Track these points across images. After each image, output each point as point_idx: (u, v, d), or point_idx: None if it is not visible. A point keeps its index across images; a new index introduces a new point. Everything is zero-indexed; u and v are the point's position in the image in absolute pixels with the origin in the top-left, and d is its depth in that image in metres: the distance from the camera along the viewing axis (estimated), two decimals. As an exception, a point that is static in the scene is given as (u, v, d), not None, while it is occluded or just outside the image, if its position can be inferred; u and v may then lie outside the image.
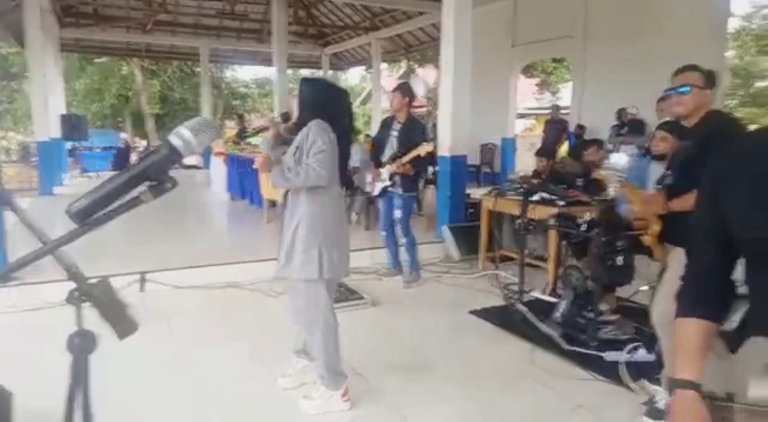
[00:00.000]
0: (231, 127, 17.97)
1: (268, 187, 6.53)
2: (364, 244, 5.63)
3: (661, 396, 2.67)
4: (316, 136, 2.55)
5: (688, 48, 6.63)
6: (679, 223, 2.48)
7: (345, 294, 4.26)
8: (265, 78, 23.75)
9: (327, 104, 2.67)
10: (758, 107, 17.01)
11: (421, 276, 4.74)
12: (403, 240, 4.71)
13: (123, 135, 21.91)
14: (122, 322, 1.20)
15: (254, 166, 2.70)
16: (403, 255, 4.84)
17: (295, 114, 2.76)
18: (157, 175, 1.16)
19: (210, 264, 4.88)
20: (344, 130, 2.71)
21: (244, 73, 25.96)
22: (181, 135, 1.15)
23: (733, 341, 1.00)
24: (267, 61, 14.17)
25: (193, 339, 3.60)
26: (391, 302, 4.36)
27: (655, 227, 2.60)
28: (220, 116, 23.03)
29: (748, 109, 17.14)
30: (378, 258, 5.28)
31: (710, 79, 2.52)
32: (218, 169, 9.61)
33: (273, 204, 6.74)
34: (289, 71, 15.24)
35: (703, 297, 1.06)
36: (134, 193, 1.18)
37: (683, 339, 1.05)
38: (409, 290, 4.64)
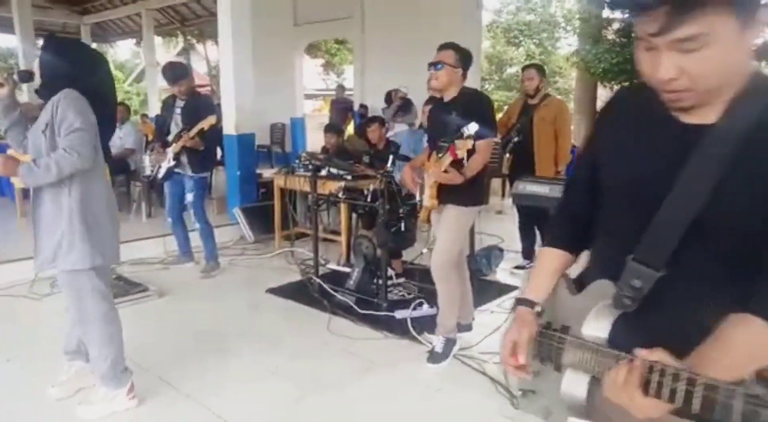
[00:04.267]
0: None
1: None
2: (147, 233, 5.15)
3: (437, 342, 2.99)
4: (66, 110, 2.17)
5: (451, 36, 7.36)
6: (451, 185, 2.76)
7: (125, 288, 3.85)
8: (8, 49, 19.99)
9: (82, 73, 2.27)
10: (509, 90, 19.87)
11: (220, 264, 4.51)
12: (197, 226, 4.41)
13: None
14: None
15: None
16: (198, 242, 4.54)
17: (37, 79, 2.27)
18: None
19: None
20: (108, 106, 2.37)
21: (-23, 42, 21.42)
22: None
23: (578, 282, 1.11)
24: (6, 27, 11.89)
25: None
26: (181, 291, 4.08)
27: (433, 190, 2.85)
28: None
29: (502, 92, 19.92)
30: (163, 247, 4.90)
31: (464, 59, 2.86)
32: (-52, 157, 7.80)
33: (28, 193, 5.72)
34: (40, 42, 13.03)
35: (565, 231, 1.18)
36: None
37: (540, 265, 1.18)
38: (200, 276, 4.39)
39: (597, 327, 0.93)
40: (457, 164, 2.74)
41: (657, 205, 0.89)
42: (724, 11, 0.77)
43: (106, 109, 2.34)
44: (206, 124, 4.08)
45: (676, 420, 0.76)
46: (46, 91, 2.28)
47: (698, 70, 0.80)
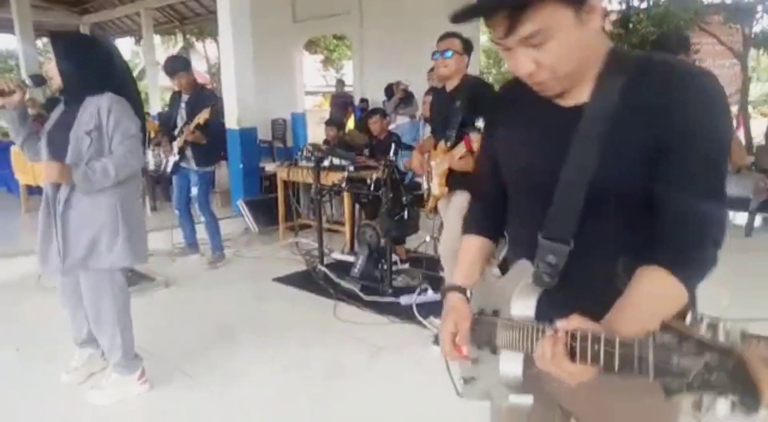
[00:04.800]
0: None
1: (25, 170, 5.58)
2: (151, 226, 5.17)
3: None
4: (121, 116, 2.18)
5: (451, 29, 7.39)
6: (459, 172, 2.79)
7: (133, 279, 3.87)
8: (7, 50, 20.03)
9: (109, 69, 2.26)
10: (507, 84, 19.79)
11: (225, 256, 4.57)
12: (202, 220, 4.46)
13: None
14: None
15: (46, 180, 2.19)
16: (203, 234, 4.59)
17: (55, 81, 2.25)
18: None
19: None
20: (136, 101, 2.35)
21: (-24, 44, 21.46)
22: None
23: (502, 266, 1.14)
24: (5, 28, 11.93)
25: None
26: (188, 281, 4.12)
27: (442, 179, 2.87)
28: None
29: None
30: (169, 239, 4.93)
31: (467, 46, 2.89)
32: (-49, 157, 7.86)
33: (33, 189, 5.77)
34: (39, 43, 13.06)
35: (482, 219, 1.21)
36: None
37: (463, 253, 1.20)
38: (206, 267, 4.43)
39: (523, 306, 0.96)
40: (469, 153, 2.76)
41: (555, 186, 0.95)
42: (555, 5, 0.84)
43: (133, 101, 2.33)
44: (201, 118, 4.12)
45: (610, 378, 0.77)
46: (72, 96, 2.27)
47: (551, 59, 0.88)
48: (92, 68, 2.22)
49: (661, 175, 0.88)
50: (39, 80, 2.32)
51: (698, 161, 0.87)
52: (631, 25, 8.47)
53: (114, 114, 2.18)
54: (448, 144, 2.80)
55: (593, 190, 0.91)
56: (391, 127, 7.66)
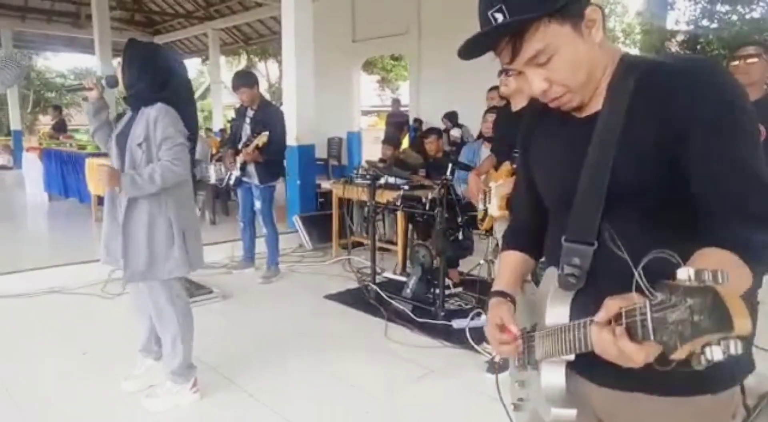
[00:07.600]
0: (46, 123, 15.90)
1: (95, 182, 5.89)
2: (211, 239, 5.34)
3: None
4: (168, 125, 2.29)
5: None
6: None
7: (191, 290, 3.99)
8: (87, 69, 21.38)
9: (165, 80, 2.35)
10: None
11: (280, 271, 4.65)
12: (264, 232, 4.57)
13: None
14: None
15: (104, 184, 2.33)
16: (260, 249, 4.69)
17: (121, 85, 2.43)
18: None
19: (24, 269, 4.26)
20: (188, 114, 2.45)
21: (59, 63, 23.09)
22: None
23: (536, 275, 1.14)
24: (87, 48, 12.78)
25: (9, 352, 3.11)
26: (243, 294, 4.21)
27: (503, 201, 2.81)
28: (31, 110, 20.23)
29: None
30: (228, 252, 5.07)
31: None
32: (33, 166, 8.42)
33: (103, 199, 6.08)
34: (115, 62, 13.89)
35: (520, 236, 1.22)
36: None
37: (502, 266, 1.21)
38: (260, 281, 4.51)
39: (557, 313, 0.96)
40: None
41: (576, 191, 0.97)
42: (550, 23, 0.88)
43: (184, 113, 2.41)
44: (260, 140, 4.24)
45: None
46: (132, 103, 2.41)
47: (560, 75, 0.92)
48: (150, 77, 2.32)
49: (689, 160, 0.87)
50: (112, 81, 2.49)
51: (718, 133, 0.85)
52: (699, 47, 8.14)
53: (160, 124, 2.29)
54: (515, 166, 2.74)
55: (611, 191, 0.92)
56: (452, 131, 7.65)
